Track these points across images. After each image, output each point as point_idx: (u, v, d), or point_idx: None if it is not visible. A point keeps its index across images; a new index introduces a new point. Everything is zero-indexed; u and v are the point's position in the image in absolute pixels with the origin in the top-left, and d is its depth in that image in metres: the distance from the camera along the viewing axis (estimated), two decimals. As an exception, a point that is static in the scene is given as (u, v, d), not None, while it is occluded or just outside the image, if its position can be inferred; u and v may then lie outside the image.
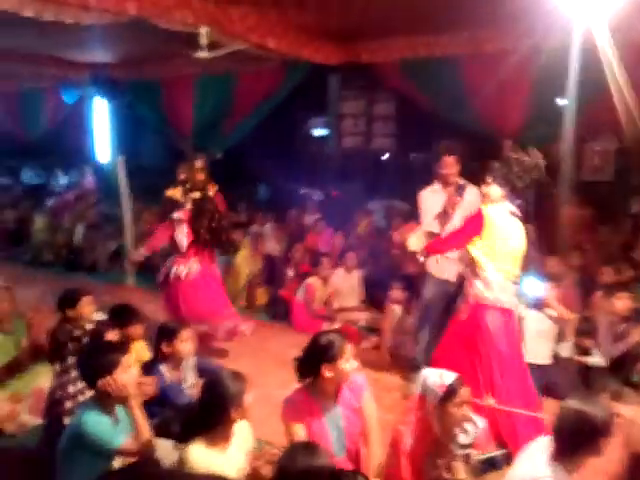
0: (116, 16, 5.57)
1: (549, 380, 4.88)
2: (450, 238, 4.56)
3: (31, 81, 10.89)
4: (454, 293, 4.95)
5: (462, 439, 3.09)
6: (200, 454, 2.71)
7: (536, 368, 4.86)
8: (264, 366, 5.49)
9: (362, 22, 6.80)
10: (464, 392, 2.96)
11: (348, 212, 9.24)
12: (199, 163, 5.94)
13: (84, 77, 9.89)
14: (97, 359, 2.84)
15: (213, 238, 5.79)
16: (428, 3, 5.87)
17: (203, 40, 6.14)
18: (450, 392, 2.90)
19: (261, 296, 7.10)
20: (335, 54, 7.99)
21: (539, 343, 4.97)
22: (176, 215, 5.81)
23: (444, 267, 5.01)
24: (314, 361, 3.07)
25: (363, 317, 6.40)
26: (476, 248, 4.20)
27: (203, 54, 6.27)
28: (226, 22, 6.30)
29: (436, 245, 4.55)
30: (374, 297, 6.61)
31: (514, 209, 4.28)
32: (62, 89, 11.09)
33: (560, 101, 7.32)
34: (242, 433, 2.96)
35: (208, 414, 2.78)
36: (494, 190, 4.27)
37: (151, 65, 9.75)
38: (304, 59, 7.61)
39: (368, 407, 3.19)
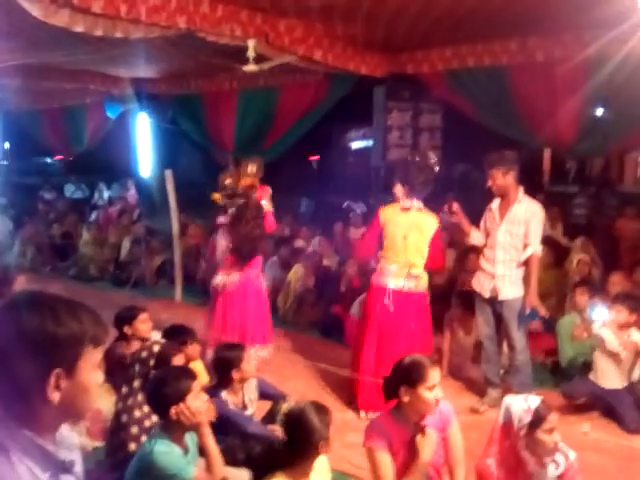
0: (166, 30, 5.57)
1: (617, 405, 4.58)
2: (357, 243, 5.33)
3: (75, 97, 11.02)
4: (496, 308, 4.82)
5: (551, 471, 2.89)
6: (283, 489, 2.58)
7: (605, 391, 4.66)
8: (318, 387, 5.30)
9: (409, 33, 6.68)
10: (553, 417, 2.77)
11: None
12: (251, 168, 5.62)
13: (127, 92, 9.98)
14: (169, 387, 2.73)
15: (245, 247, 5.32)
16: (477, 13, 5.75)
17: (251, 53, 6.09)
18: (538, 418, 2.72)
19: (312, 313, 6.95)
20: (381, 65, 7.90)
21: (606, 366, 4.66)
22: (220, 219, 5.58)
23: (481, 283, 4.85)
24: (394, 382, 2.92)
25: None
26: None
27: (251, 67, 6.21)
28: (273, 34, 6.27)
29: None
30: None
31: (410, 204, 4.74)
32: (105, 104, 11.17)
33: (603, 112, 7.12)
34: (321, 466, 2.82)
35: (295, 449, 2.65)
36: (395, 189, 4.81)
37: (194, 80, 9.80)
38: (350, 71, 7.53)
39: (454, 438, 3.01)
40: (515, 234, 4.69)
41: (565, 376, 5.23)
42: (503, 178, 4.68)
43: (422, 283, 4.78)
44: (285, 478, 2.61)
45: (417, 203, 4.74)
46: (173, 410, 2.66)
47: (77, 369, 1.36)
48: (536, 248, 4.74)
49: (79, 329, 1.36)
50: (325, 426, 2.70)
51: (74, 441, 1.53)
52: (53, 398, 1.33)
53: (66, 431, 1.48)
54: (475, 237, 4.94)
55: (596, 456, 4.09)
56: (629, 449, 4.20)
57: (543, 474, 2.77)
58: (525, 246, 4.70)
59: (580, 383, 4.83)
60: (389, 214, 4.76)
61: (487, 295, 4.80)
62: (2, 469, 1.30)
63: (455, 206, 4.85)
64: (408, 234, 4.68)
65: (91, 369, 1.40)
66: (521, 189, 4.77)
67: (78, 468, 1.49)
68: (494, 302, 4.82)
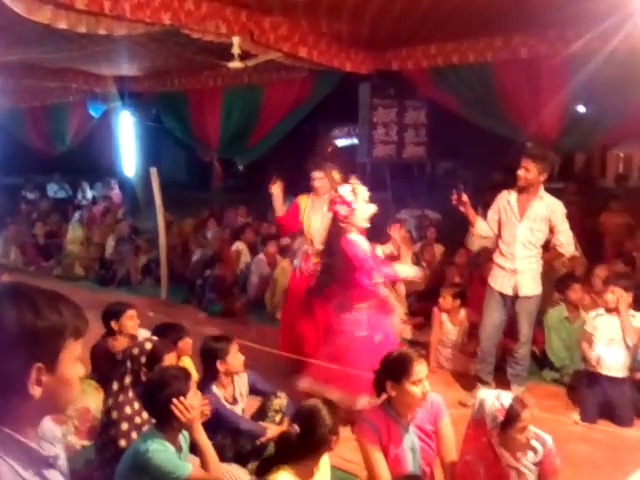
0: (150, 26, 5.53)
1: (616, 396, 4.46)
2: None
3: (58, 95, 10.91)
4: (509, 307, 4.77)
5: (530, 458, 2.91)
6: (288, 485, 2.56)
7: (607, 381, 4.53)
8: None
9: (394, 30, 6.70)
10: (526, 414, 2.76)
11: (379, 222, 9.09)
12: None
13: (110, 90, 9.90)
14: (170, 387, 2.70)
15: None
16: (462, 11, 5.78)
17: (236, 49, 6.07)
18: (511, 417, 2.71)
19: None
20: (366, 62, 7.92)
21: (609, 353, 4.52)
22: None
23: (501, 281, 4.77)
24: (380, 377, 2.93)
25: (408, 329, 6.20)
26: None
27: (236, 64, 6.19)
28: (258, 31, 6.25)
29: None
30: (414, 309, 6.47)
31: None
32: (88, 103, 11.08)
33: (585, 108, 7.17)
34: (324, 464, 2.81)
35: (308, 444, 2.64)
36: (336, 174, 5.23)
37: (178, 77, 9.74)
38: (335, 68, 7.53)
39: (445, 431, 3.00)
40: (536, 230, 4.62)
41: (552, 367, 5.29)
42: (537, 175, 4.56)
43: None
44: (290, 473, 2.59)
45: None
46: (175, 410, 2.64)
47: (58, 363, 1.31)
48: (569, 249, 4.73)
49: (59, 321, 1.30)
50: (335, 422, 2.71)
51: (56, 434, 1.47)
52: (34, 393, 1.27)
53: (48, 424, 1.43)
54: (481, 228, 4.85)
55: (584, 446, 4.13)
56: (618, 439, 4.19)
57: (521, 466, 2.79)
58: (548, 242, 4.68)
59: (589, 406, 4.52)
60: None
61: (510, 292, 4.70)
62: None
63: (465, 197, 4.71)
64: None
65: (72, 362, 1.35)
66: (542, 187, 4.67)
67: (62, 462, 1.43)
68: (511, 299, 4.74)
